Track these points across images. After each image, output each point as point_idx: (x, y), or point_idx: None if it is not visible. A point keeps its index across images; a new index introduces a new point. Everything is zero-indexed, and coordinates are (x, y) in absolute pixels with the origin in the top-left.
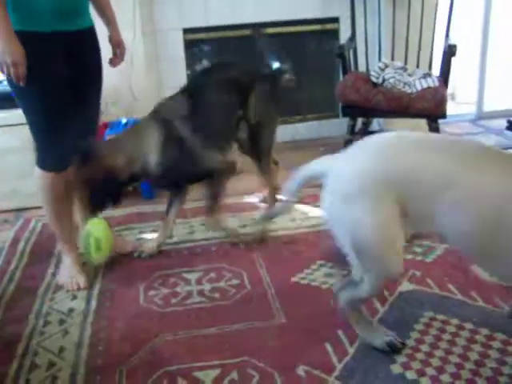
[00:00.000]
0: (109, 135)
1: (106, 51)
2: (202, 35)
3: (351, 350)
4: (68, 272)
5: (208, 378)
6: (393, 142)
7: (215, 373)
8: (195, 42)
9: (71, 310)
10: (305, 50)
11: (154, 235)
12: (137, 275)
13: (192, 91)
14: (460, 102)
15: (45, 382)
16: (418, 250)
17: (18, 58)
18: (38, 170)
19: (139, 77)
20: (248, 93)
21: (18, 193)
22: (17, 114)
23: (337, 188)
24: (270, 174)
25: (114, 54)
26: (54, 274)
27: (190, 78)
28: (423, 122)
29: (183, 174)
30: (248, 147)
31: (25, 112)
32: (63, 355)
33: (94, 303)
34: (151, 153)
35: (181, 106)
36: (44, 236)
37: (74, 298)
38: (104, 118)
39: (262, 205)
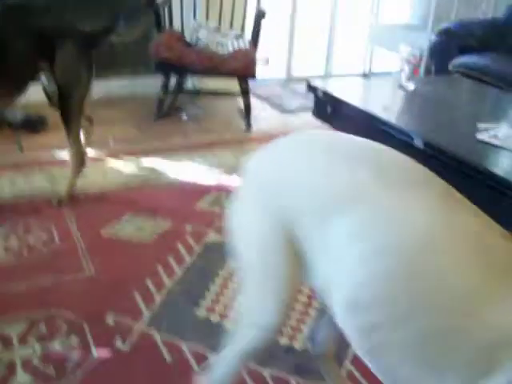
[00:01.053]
0: None
1: None
2: None
3: (158, 298)
4: None
5: (14, 332)
6: (294, 141)
7: (22, 327)
8: None
9: None
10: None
11: None
12: None
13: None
14: (273, 67)
15: None
16: None
17: None
18: None
19: None
20: (55, 48)
21: None
22: None
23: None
24: (76, 138)
25: None
26: None
27: None
28: (234, 82)
29: None
30: (56, 104)
31: None
32: None
33: None
34: None
35: None
36: None
37: None
38: None
39: None
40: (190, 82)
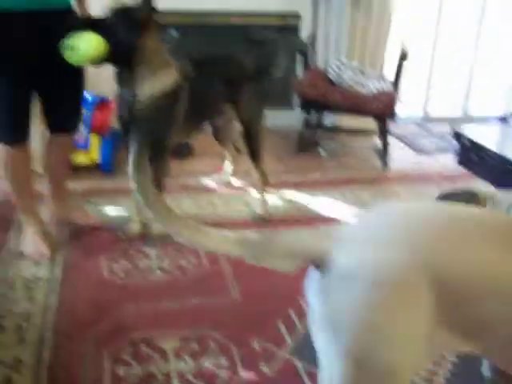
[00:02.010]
0: None
1: None
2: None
3: (301, 327)
4: (30, 241)
5: (170, 347)
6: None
7: (176, 342)
8: None
9: (36, 277)
10: (262, 41)
11: (114, 210)
12: (99, 247)
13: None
14: (406, 103)
15: (13, 344)
16: None
17: None
18: None
19: None
20: (238, 91)
21: None
22: None
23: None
24: (261, 162)
25: None
26: (15, 242)
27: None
28: (371, 120)
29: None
30: (220, 137)
31: None
32: (30, 320)
33: (57, 271)
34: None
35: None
36: (4, 204)
37: (39, 265)
38: None
39: (219, 187)
40: (328, 119)
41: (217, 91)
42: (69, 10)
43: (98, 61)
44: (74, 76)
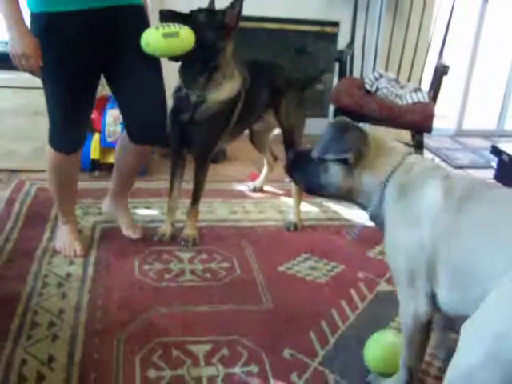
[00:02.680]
0: (110, 109)
1: None
2: None
3: (332, 340)
4: (65, 239)
5: (201, 352)
6: None
7: (207, 347)
8: None
9: (69, 275)
10: (302, 49)
11: (147, 211)
12: (131, 248)
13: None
14: (438, 116)
15: (46, 339)
16: None
17: (28, 49)
18: (50, 150)
19: None
20: (280, 97)
21: (14, 154)
22: (21, 78)
23: None
24: None
25: None
26: (50, 239)
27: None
28: (405, 133)
29: (206, 132)
30: (255, 141)
31: (45, 92)
32: (63, 317)
33: (90, 271)
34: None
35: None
36: (39, 200)
37: (72, 263)
38: (106, 92)
39: (252, 192)
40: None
41: (264, 97)
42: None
43: (183, 54)
44: (154, 73)
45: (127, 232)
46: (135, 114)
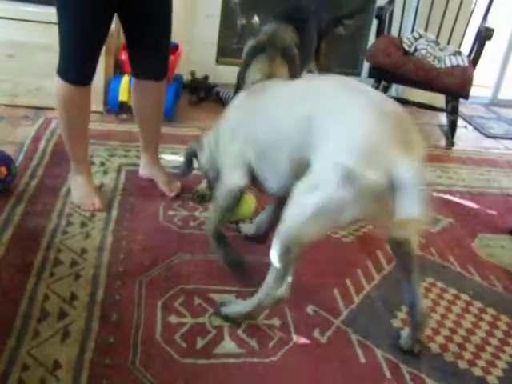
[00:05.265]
0: None
1: None
2: None
3: (356, 300)
4: (81, 192)
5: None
6: None
7: (230, 298)
8: None
9: (93, 215)
10: (341, 3)
11: (173, 157)
12: (157, 193)
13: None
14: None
15: (68, 277)
16: None
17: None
18: (58, 80)
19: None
20: (321, 39)
21: (42, 91)
22: (52, 13)
23: None
24: None
25: None
26: None
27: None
28: (441, 97)
29: None
30: None
31: (59, 17)
32: (85, 256)
33: (114, 212)
34: None
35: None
36: None
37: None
38: None
39: None
40: (394, 89)
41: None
42: None
43: None
44: (165, 13)
45: (163, 188)
46: (142, 51)
